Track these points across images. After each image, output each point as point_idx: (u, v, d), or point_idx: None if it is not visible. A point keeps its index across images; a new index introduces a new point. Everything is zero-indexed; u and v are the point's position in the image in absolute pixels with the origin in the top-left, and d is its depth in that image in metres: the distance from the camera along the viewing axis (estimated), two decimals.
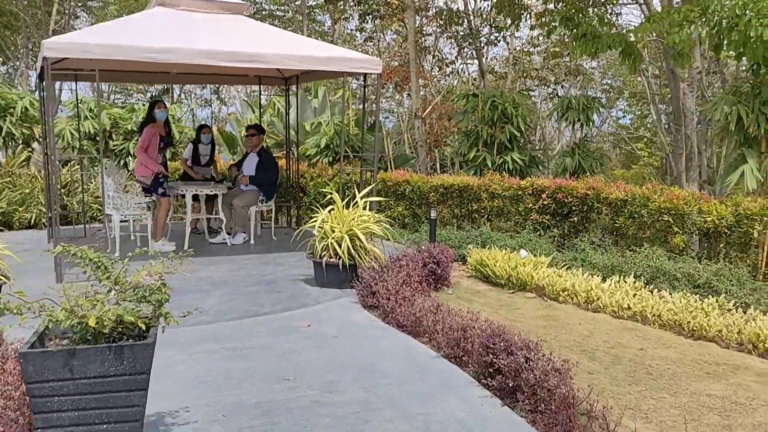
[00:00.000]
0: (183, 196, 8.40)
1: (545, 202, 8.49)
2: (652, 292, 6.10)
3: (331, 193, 6.92)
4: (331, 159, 11.47)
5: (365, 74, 7.91)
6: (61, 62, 8.12)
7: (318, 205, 10.14)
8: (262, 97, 11.77)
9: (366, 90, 8.58)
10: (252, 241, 8.89)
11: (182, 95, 28.35)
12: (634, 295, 6.04)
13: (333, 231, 6.45)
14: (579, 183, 8.34)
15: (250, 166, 8.97)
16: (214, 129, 13.16)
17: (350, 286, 6.34)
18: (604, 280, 6.61)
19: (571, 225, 8.34)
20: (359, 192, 7.11)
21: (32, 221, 10.03)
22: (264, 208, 9.05)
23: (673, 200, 7.19)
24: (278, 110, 13.82)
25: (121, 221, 8.06)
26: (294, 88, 10.34)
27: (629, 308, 5.82)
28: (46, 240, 8.82)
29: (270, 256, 8.00)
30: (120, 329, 2.86)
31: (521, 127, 10.37)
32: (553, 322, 5.64)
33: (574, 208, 8.27)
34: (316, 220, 6.59)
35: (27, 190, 10.36)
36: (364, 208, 6.76)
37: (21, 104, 11.09)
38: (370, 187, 7.26)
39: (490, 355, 3.86)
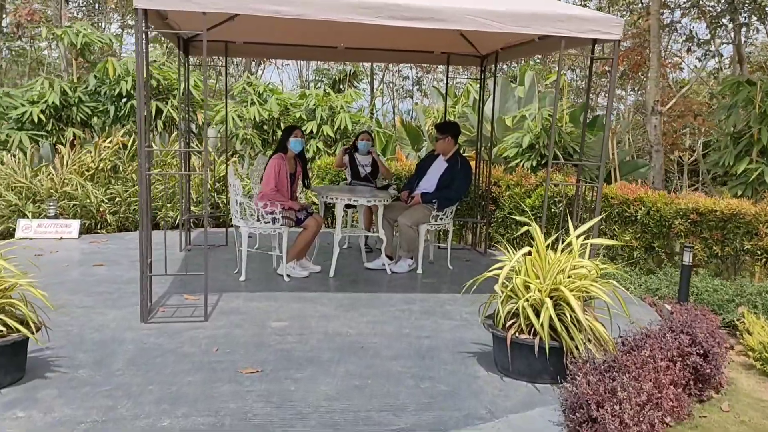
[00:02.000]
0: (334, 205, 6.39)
1: None
2: None
3: (530, 224, 4.39)
4: (535, 163, 8.85)
5: (594, 41, 5.26)
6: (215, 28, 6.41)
7: (511, 227, 7.66)
8: (452, 82, 9.44)
9: (592, 70, 5.87)
10: (420, 270, 6.65)
11: (383, 85, 26.85)
12: None
13: (527, 288, 3.96)
14: None
15: (432, 177, 6.73)
16: (397, 121, 11.16)
17: (550, 381, 3.85)
18: None
19: None
20: (573, 214, 4.52)
21: (176, 221, 8.66)
22: (439, 227, 6.75)
23: None
24: (473, 99, 11.38)
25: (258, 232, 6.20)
26: (493, 71, 7.89)
27: None
28: (179, 246, 7.30)
29: (437, 300, 5.69)
30: None
31: None
32: None
33: None
34: (500, 267, 4.14)
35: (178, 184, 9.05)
36: (582, 254, 4.18)
37: (184, 86, 9.81)
38: (593, 221, 4.59)
39: None
